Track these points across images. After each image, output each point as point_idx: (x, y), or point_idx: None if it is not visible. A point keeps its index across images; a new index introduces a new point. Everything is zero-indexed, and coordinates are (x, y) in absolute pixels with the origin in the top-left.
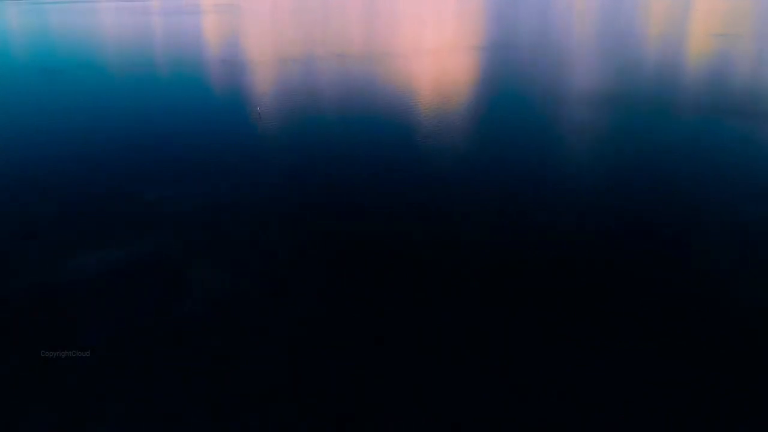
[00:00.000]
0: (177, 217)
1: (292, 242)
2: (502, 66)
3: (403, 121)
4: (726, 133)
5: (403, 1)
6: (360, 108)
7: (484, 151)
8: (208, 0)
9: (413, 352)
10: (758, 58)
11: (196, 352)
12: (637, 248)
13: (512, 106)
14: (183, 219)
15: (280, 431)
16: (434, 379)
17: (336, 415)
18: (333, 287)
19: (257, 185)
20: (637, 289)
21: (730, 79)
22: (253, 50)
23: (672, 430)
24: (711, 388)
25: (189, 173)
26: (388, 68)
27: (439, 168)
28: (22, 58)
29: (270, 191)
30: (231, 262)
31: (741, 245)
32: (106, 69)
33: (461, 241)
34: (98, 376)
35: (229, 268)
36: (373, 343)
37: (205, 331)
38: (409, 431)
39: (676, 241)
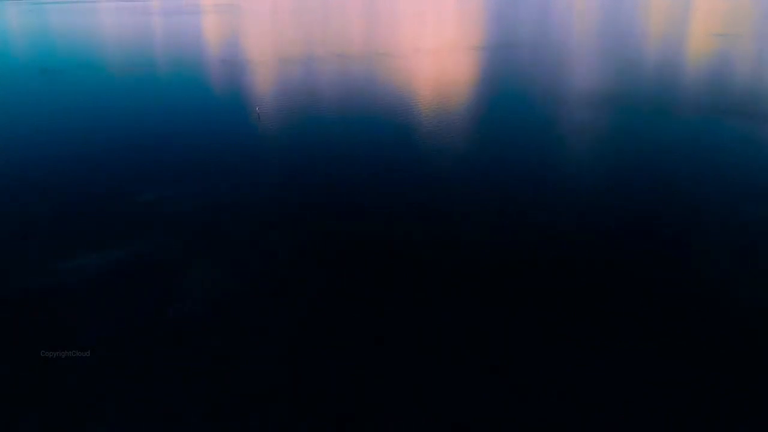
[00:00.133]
0: (177, 217)
1: (292, 242)
2: (502, 66)
3: (403, 121)
4: (726, 133)
5: (403, 1)
6: (360, 108)
7: (484, 151)
8: (208, 0)
9: (413, 352)
10: (758, 58)
11: (195, 352)
12: (637, 248)
13: (512, 106)
14: (183, 219)
15: (280, 431)
16: (434, 379)
17: (336, 415)
18: (333, 287)
19: (257, 185)
20: (637, 289)
21: (730, 79)
22: (253, 50)
23: (672, 430)
24: (711, 388)
25: (189, 173)
26: (388, 68)
27: (439, 168)
28: (22, 58)
29: (270, 191)
30: (231, 262)
31: (741, 245)
32: (106, 69)
33: (461, 241)
34: (98, 376)
35: (229, 268)
36: (373, 343)
37: (204, 331)
38: (409, 431)
39: (676, 241)
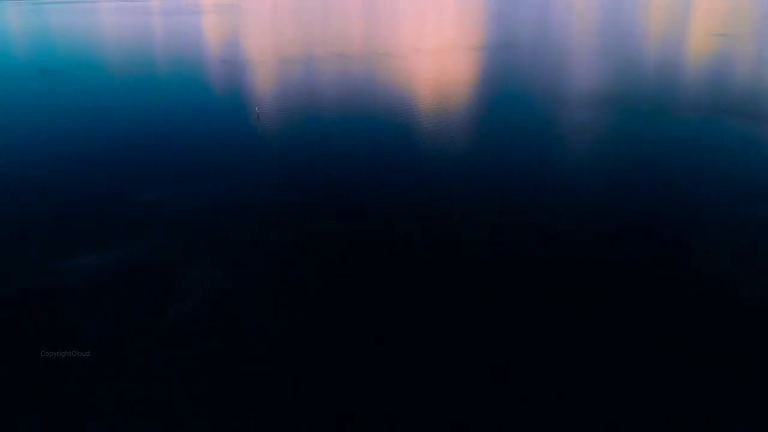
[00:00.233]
0: (177, 217)
1: (292, 242)
2: (502, 66)
3: (403, 121)
4: (726, 133)
5: (403, 1)
6: (360, 108)
7: (484, 151)
8: (208, 0)
9: (413, 352)
10: (758, 58)
11: (195, 352)
12: (637, 248)
13: (512, 106)
14: (183, 219)
15: (279, 431)
16: (434, 379)
17: (336, 415)
18: (333, 287)
19: (257, 185)
20: (637, 289)
21: (730, 79)
22: (253, 50)
23: (672, 430)
24: (711, 388)
25: (189, 173)
26: (388, 68)
27: (439, 168)
28: (22, 58)
29: (270, 191)
30: (231, 262)
31: (741, 245)
32: (106, 69)
33: (461, 241)
34: (98, 376)
35: (229, 268)
36: (373, 343)
37: (204, 331)
38: (409, 431)
39: (676, 241)
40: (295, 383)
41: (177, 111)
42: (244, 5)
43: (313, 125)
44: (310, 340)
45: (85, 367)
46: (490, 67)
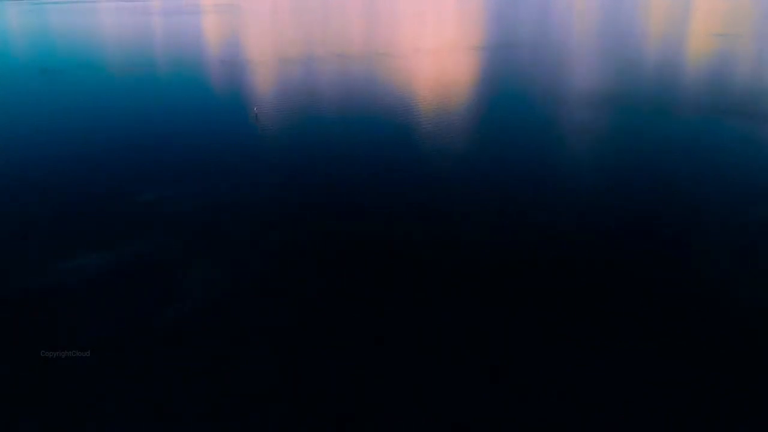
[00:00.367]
0: (177, 217)
1: (292, 242)
2: (502, 66)
3: (403, 121)
4: (726, 133)
5: (403, 1)
6: (360, 108)
7: (484, 151)
8: (208, 0)
9: (413, 352)
10: (758, 58)
11: (195, 352)
12: (637, 248)
13: (512, 106)
14: (183, 219)
15: (279, 431)
16: (434, 379)
17: (336, 415)
18: (333, 287)
19: (257, 185)
20: (637, 289)
21: (730, 79)
22: (253, 50)
23: (672, 430)
24: (711, 388)
25: (189, 173)
26: (388, 68)
27: (439, 168)
28: (22, 58)
29: (270, 191)
30: (231, 262)
31: (741, 245)
32: (106, 69)
33: (461, 241)
34: (98, 376)
35: (229, 268)
36: (373, 343)
37: (204, 331)
38: (409, 431)
39: (676, 241)
40: (295, 383)
41: (177, 111)
42: (244, 5)
43: (313, 125)
44: (310, 340)
45: (85, 367)
46: (490, 67)
